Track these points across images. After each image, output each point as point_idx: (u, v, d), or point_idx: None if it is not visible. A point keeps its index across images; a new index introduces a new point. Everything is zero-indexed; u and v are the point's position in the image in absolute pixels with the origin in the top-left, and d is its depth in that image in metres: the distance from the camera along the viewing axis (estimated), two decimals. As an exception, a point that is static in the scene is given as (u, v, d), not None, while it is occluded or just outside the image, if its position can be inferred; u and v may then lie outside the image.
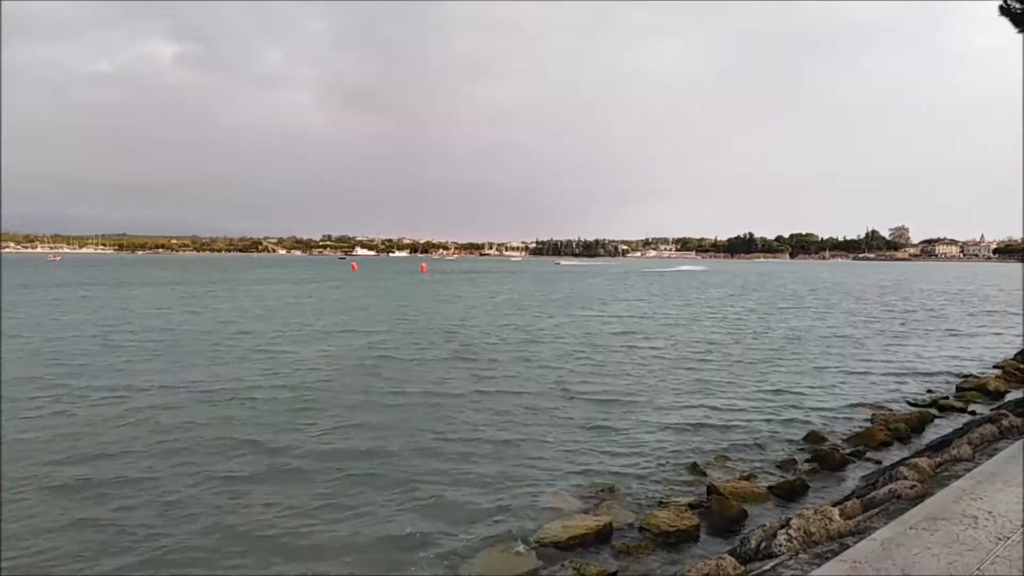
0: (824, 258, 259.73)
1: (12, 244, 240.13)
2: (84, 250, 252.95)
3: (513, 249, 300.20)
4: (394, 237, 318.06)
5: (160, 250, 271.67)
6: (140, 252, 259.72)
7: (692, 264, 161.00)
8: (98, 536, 6.58)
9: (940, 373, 16.42)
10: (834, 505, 5.97)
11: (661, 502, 7.53)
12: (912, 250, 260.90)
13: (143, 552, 6.26)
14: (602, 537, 6.58)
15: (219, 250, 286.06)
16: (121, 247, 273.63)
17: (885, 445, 9.86)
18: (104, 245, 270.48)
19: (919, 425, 10.92)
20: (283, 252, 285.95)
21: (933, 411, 12.05)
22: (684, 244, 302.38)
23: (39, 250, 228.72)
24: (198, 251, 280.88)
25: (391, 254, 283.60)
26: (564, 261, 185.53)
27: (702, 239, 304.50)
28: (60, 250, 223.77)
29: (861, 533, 4.77)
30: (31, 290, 42.96)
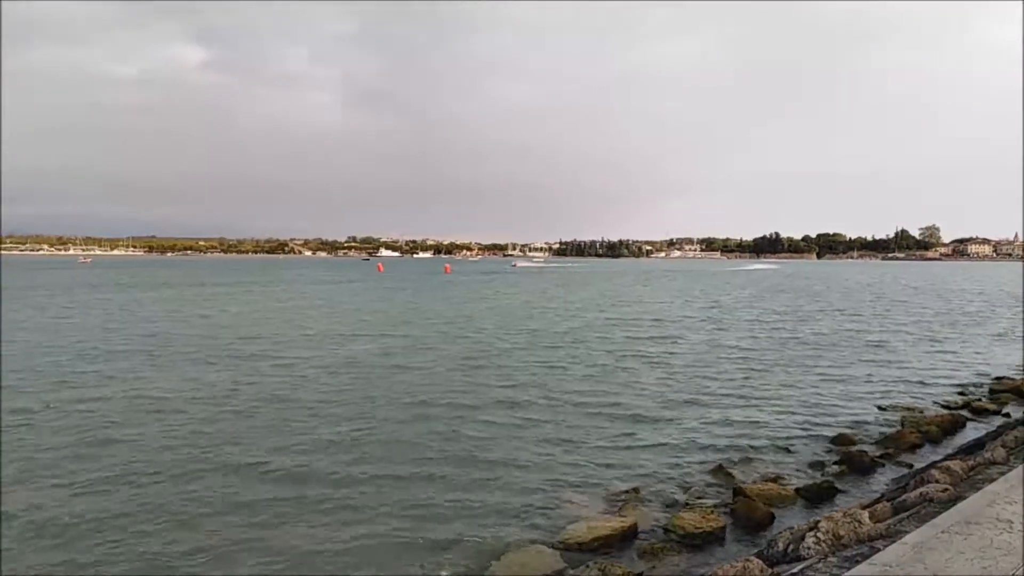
0: (852, 258, 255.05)
1: (46, 246, 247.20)
2: (115, 252, 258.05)
3: (537, 250, 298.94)
4: (418, 238, 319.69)
5: (189, 252, 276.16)
6: (169, 254, 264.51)
7: (766, 263, 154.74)
8: (93, 541, 6.50)
9: (972, 375, 16.10)
10: (863, 508, 5.90)
11: (687, 503, 7.50)
12: (943, 249, 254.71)
13: (144, 558, 6.19)
14: (627, 538, 6.58)
15: (247, 251, 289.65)
16: (151, 248, 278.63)
17: (916, 448, 9.71)
18: (134, 247, 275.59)
19: (951, 428, 10.73)
20: (309, 253, 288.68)
21: (965, 413, 11.83)
22: (709, 244, 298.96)
23: (71, 252, 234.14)
24: (225, 252, 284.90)
25: (415, 255, 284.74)
26: (521, 263, 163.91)
27: (727, 239, 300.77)
28: (91, 252, 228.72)
29: (891, 537, 4.70)
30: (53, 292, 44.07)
